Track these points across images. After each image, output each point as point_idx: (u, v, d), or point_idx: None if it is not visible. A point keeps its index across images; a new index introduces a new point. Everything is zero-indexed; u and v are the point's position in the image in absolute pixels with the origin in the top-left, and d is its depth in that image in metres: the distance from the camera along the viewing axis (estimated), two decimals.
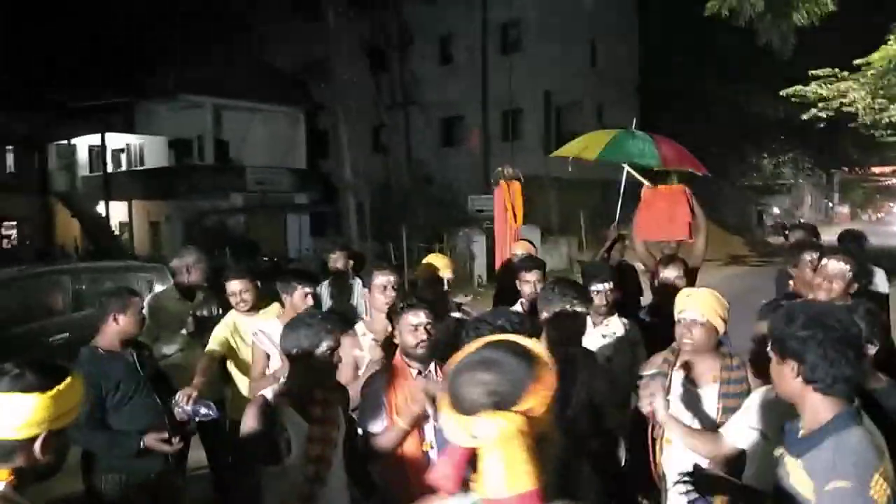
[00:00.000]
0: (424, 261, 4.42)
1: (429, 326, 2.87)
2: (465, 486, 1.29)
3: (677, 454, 2.72)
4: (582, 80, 27.72)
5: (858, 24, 12.68)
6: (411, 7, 26.04)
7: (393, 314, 2.99)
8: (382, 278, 3.54)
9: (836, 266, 3.21)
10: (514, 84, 24.22)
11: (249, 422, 2.59)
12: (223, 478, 4.44)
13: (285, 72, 26.64)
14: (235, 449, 2.66)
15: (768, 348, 1.88)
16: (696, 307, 2.75)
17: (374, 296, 3.54)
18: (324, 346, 2.60)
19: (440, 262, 4.30)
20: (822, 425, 1.75)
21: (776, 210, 39.20)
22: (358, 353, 3.43)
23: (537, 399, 1.24)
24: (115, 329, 3.47)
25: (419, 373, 2.90)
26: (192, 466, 4.34)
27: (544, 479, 1.21)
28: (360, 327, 3.57)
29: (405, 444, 2.76)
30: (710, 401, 2.77)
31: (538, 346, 1.32)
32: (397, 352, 2.95)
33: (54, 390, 1.63)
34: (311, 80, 26.07)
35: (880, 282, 4.49)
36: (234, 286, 4.21)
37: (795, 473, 1.78)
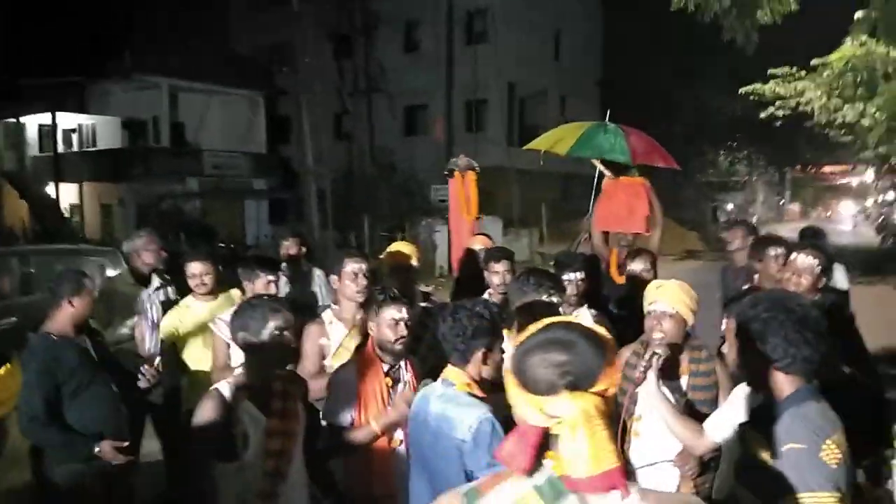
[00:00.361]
0: (390, 248, 4.34)
1: (408, 322, 2.82)
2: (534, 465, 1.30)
3: (645, 446, 2.72)
4: (546, 72, 27.86)
5: (817, 24, 12.96)
6: None
7: (368, 305, 2.91)
8: (354, 265, 3.43)
9: (805, 260, 3.23)
10: (479, 74, 24.21)
11: (203, 415, 2.48)
12: (177, 471, 4.31)
13: (247, 55, 26.15)
14: (190, 443, 2.54)
15: (734, 335, 1.99)
16: (667, 299, 2.75)
17: (344, 283, 3.43)
18: (271, 327, 2.47)
19: (407, 250, 4.24)
20: (782, 399, 1.88)
21: (730, 206, 40.04)
22: (324, 341, 3.34)
23: (608, 382, 1.27)
24: (68, 313, 3.34)
25: (390, 367, 2.84)
26: (145, 456, 4.21)
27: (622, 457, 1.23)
28: (327, 315, 3.48)
29: (372, 443, 2.72)
30: (678, 393, 2.77)
31: (604, 330, 1.35)
32: (368, 343, 2.88)
33: None
34: (273, 64, 25.63)
35: (840, 278, 4.59)
36: (194, 268, 4.08)
37: (756, 441, 1.93)
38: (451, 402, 2.27)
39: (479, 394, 2.29)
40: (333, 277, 3.50)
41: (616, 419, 2.63)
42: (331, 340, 3.34)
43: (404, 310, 2.81)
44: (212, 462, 2.49)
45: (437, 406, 2.30)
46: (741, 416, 2.28)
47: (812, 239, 4.98)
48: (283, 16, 18.28)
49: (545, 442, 1.27)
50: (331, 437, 2.77)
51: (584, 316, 3.47)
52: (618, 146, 4.93)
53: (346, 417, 2.75)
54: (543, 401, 1.24)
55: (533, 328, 1.37)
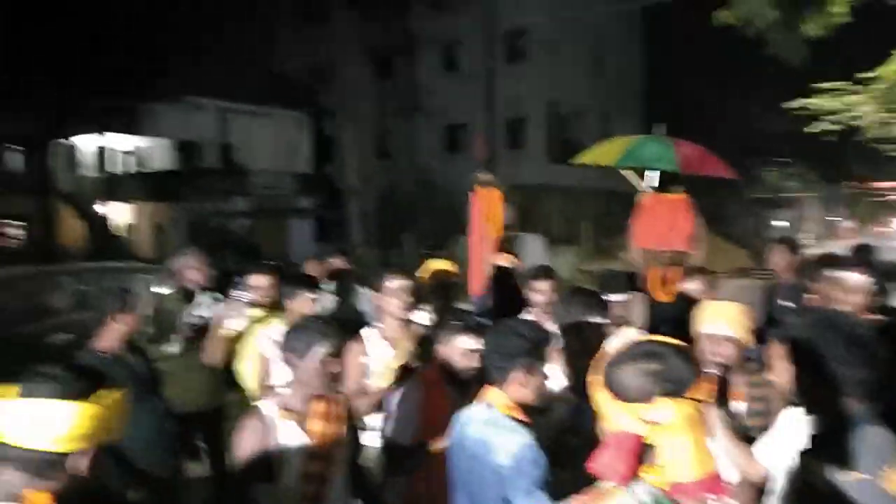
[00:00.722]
0: (430, 266, 4.35)
1: (481, 353, 2.74)
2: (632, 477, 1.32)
3: None
4: (587, 89, 27.71)
5: (866, 37, 12.62)
6: (417, 14, 26.07)
7: (442, 329, 2.86)
8: (396, 282, 3.44)
9: (856, 279, 3.11)
10: (520, 92, 24.21)
11: (243, 434, 2.49)
12: (223, 488, 4.35)
13: (291, 76, 26.64)
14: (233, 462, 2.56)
15: (787, 357, 1.89)
16: (726, 322, 2.67)
17: (388, 300, 3.43)
18: (318, 352, 2.46)
19: (448, 268, 4.24)
20: (838, 425, 1.79)
21: (781, 223, 39.05)
22: (365, 360, 3.34)
23: (702, 391, 1.31)
24: (114, 329, 3.44)
25: (453, 389, 2.79)
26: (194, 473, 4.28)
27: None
28: (366, 332, 3.48)
29: (433, 462, 2.68)
30: (736, 419, 2.68)
31: (688, 346, 1.40)
32: (434, 365, 2.85)
33: (103, 400, 1.50)
34: (317, 85, 26.08)
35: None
36: (257, 280, 4.13)
37: (816, 468, 1.82)
38: (491, 425, 2.19)
39: (522, 417, 2.22)
40: (376, 295, 3.51)
41: None
42: (371, 358, 3.34)
43: (479, 340, 2.73)
44: (251, 482, 2.48)
45: (476, 429, 2.22)
46: (789, 442, 2.21)
47: (864, 255, 4.83)
48: (326, 36, 18.65)
49: (639, 455, 1.29)
50: (391, 455, 2.75)
51: (631, 335, 3.41)
52: (665, 156, 4.82)
53: (409, 436, 2.74)
54: (640, 408, 1.27)
55: (621, 347, 1.44)
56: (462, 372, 2.73)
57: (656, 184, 4.92)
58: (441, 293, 4.09)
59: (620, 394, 1.32)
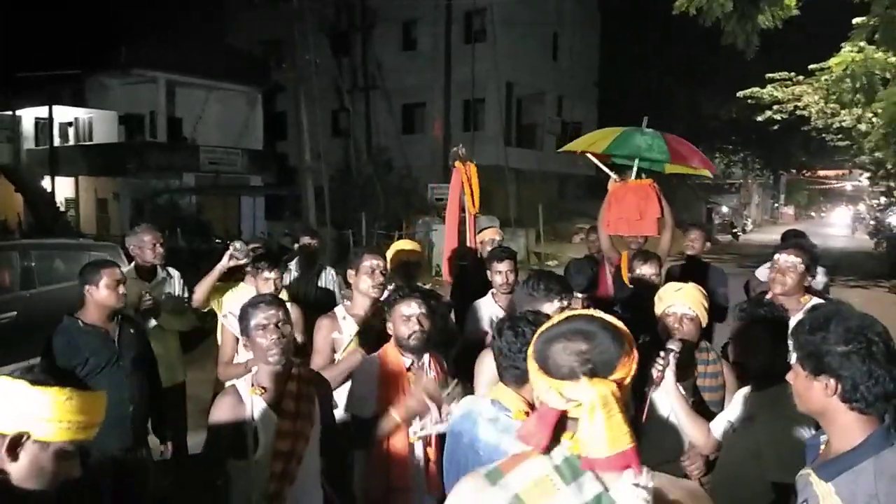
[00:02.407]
0: (394, 246, 4.36)
1: (422, 317, 2.82)
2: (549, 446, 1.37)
3: (655, 443, 2.74)
4: (544, 73, 27.90)
5: (814, 29, 13.02)
6: None
7: (385, 304, 2.93)
8: (371, 261, 3.47)
9: (788, 259, 3.29)
10: (477, 74, 24.22)
11: (218, 413, 2.51)
12: (186, 466, 4.32)
13: (244, 51, 26.05)
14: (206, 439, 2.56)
15: (793, 361, 1.72)
16: (686, 301, 2.81)
17: (360, 278, 3.46)
18: (254, 323, 2.51)
19: (411, 248, 4.26)
20: (855, 445, 1.60)
21: (725, 209, 40.21)
22: (336, 335, 3.37)
23: (626, 370, 1.34)
24: (91, 302, 3.42)
25: (412, 363, 2.86)
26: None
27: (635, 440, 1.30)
28: (340, 310, 3.50)
29: (392, 435, 2.73)
30: (690, 392, 2.82)
31: (621, 323, 1.40)
32: (391, 341, 2.89)
33: (49, 389, 1.51)
34: (270, 60, 25.57)
35: (820, 279, 4.66)
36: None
37: (828, 499, 1.61)
38: (507, 433, 2.04)
39: None
40: (350, 272, 3.52)
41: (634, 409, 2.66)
42: (343, 335, 3.37)
43: (414, 304, 2.82)
44: (223, 458, 2.51)
45: (489, 434, 2.10)
46: (734, 417, 2.31)
47: (795, 240, 5.09)
48: (281, 12, 18.26)
49: (562, 424, 1.35)
50: (352, 429, 2.78)
51: None
52: (656, 146, 4.87)
53: (368, 410, 2.77)
54: (564, 385, 1.32)
55: (556, 318, 1.45)
56: (404, 339, 2.79)
57: (637, 175, 4.99)
58: (403, 272, 4.12)
59: (548, 370, 1.35)
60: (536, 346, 1.40)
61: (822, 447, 1.72)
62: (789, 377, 1.74)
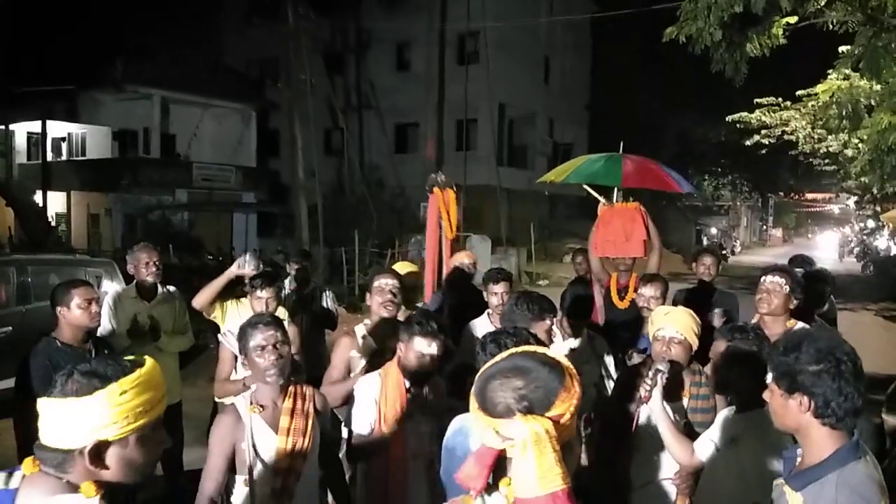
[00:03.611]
0: (402, 268, 4.42)
1: (437, 357, 2.84)
2: (489, 487, 1.33)
3: (646, 462, 2.82)
4: (535, 95, 28.20)
5: (801, 56, 13.28)
6: (370, 12, 26.03)
7: (404, 328, 2.93)
8: (383, 280, 3.54)
9: (774, 281, 3.41)
10: (470, 94, 24.45)
11: (218, 430, 2.57)
12: (178, 483, 4.34)
13: (239, 69, 26.20)
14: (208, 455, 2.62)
15: (769, 380, 1.83)
16: (676, 325, 2.88)
17: (373, 298, 3.53)
18: (252, 343, 2.57)
19: (410, 270, 4.32)
20: (824, 458, 1.72)
21: (714, 230, 40.49)
22: (354, 354, 3.42)
23: (565, 407, 1.30)
24: (63, 322, 3.40)
25: (412, 384, 2.89)
26: None
27: (571, 482, 1.26)
28: (360, 329, 3.56)
29: (390, 451, 2.79)
30: (679, 414, 2.89)
31: (564, 358, 1.38)
32: (395, 359, 2.94)
33: (96, 395, 1.46)
34: (265, 79, 25.73)
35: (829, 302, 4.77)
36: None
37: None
38: None
39: None
40: (368, 294, 3.60)
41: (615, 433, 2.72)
42: (360, 354, 3.43)
43: (435, 345, 2.82)
44: (224, 475, 2.56)
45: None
46: (717, 437, 2.37)
47: (803, 267, 5.19)
48: (277, 31, 18.44)
49: (501, 466, 1.31)
50: (350, 445, 2.85)
51: (578, 344, 3.57)
52: (611, 171, 5.11)
53: (367, 425, 2.83)
54: (499, 423, 1.29)
55: (498, 357, 1.43)
56: (417, 372, 2.83)
57: (618, 199, 5.19)
58: (407, 295, 4.17)
59: (486, 408, 1.33)
60: (477, 384, 1.38)
61: (799, 460, 1.82)
62: (766, 396, 1.85)
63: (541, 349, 1.44)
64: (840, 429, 1.73)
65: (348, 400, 3.06)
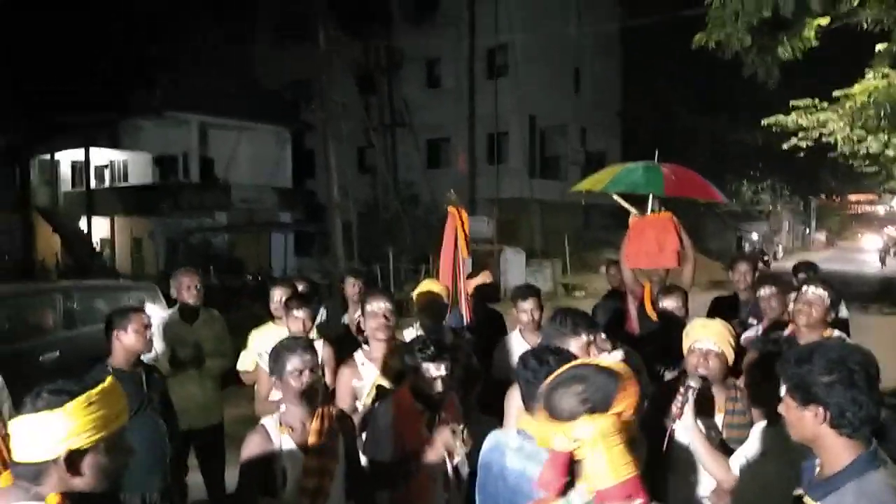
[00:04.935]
0: (420, 287, 4.42)
1: (447, 378, 2.85)
2: (565, 490, 1.49)
3: (682, 480, 2.78)
4: (566, 104, 28.11)
5: (838, 55, 13.05)
6: (400, 31, 26.33)
7: (409, 353, 2.95)
8: (375, 304, 3.50)
9: (816, 293, 3.35)
10: (500, 108, 24.51)
11: (248, 450, 2.64)
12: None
13: (273, 91, 26.72)
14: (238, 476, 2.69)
15: (783, 393, 1.83)
16: (712, 337, 2.83)
17: (367, 322, 3.51)
18: (289, 367, 2.63)
19: (437, 289, 4.33)
20: (843, 468, 1.72)
21: (755, 236, 39.72)
22: (356, 383, 3.42)
23: (625, 404, 1.46)
24: (119, 347, 3.49)
25: (424, 409, 2.89)
26: (191, 489, 4.33)
27: (640, 470, 1.39)
28: (359, 356, 3.54)
29: (411, 475, 2.80)
30: (714, 430, 2.84)
31: (618, 364, 1.54)
32: (406, 386, 2.95)
33: (63, 408, 1.60)
34: (299, 100, 26.17)
35: (840, 308, 4.67)
36: (276, 293, 4.42)
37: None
38: (531, 459, 2.12)
39: None
40: (362, 318, 3.60)
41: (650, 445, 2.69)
42: (363, 381, 3.43)
43: (443, 367, 2.83)
44: (255, 495, 2.62)
45: (515, 461, 2.22)
46: (752, 454, 2.35)
47: (807, 273, 5.13)
48: (309, 53, 18.77)
49: (576, 468, 1.45)
50: (370, 473, 2.86)
51: (617, 353, 3.55)
52: (653, 180, 5.02)
53: (386, 453, 2.84)
54: (568, 427, 1.43)
55: (558, 370, 1.60)
56: (430, 396, 2.85)
57: (653, 209, 5.10)
58: (430, 314, 4.18)
59: (554, 415, 1.48)
60: (545, 396, 1.55)
61: (817, 470, 1.82)
62: (781, 409, 1.85)
63: (594, 360, 1.64)
64: (857, 438, 1.72)
65: (363, 429, 3.07)
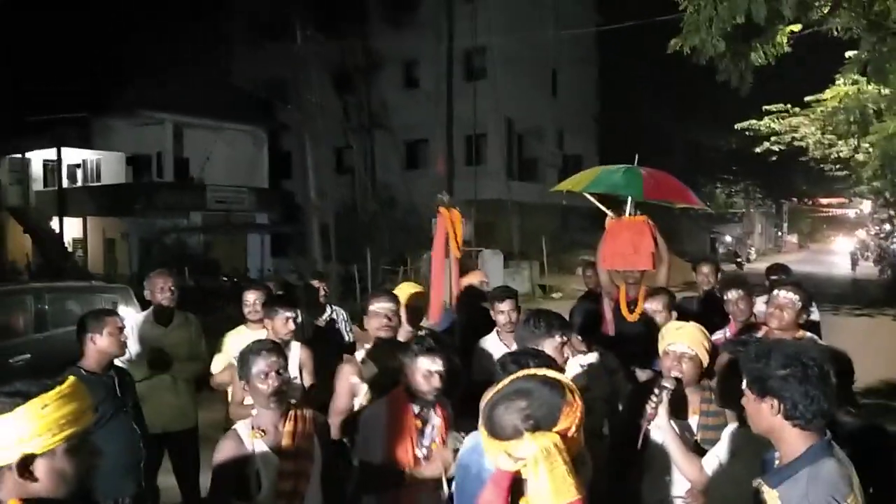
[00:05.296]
0: (399, 289, 4.42)
1: (444, 374, 2.83)
2: None
3: (657, 481, 2.82)
4: (543, 108, 28.30)
5: (809, 62, 13.30)
6: (378, 31, 26.29)
7: (406, 351, 2.94)
8: (379, 304, 3.54)
9: (787, 296, 3.43)
10: (478, 110, 24.58)
11: (221, 455, 2.61)
12: None
13: (249, 91, 26.52)
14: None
15: (744, 386, 1.93)
16: (686, 340, 2.87)
17: (370, 321, 3.53)
18: (255, 370, 2.63)
19: (416, 290, 4.31)
20: (797, 457, 1.83)
21: (728, 238, 40.27)
22: (355, 380, 3.42)
23: (570, 420, 1.38)
24: (93, 350, 3.43)
25: (420, 409, 2.89)
26: (163, 492, 4.29)
27: (584, 494, 1.31)
28: (360, 354, 3.56)
29: (401, 478, 2.79)
30: (689, 432, 2.87)
31: (563, 377, 1.46)
32: (400, 385, 2.94)
33: (14, 412, 1.54)
34: (275, 101, 26.01)
35: (811, 310, 4.77)
36: (250, 297, 4.34)
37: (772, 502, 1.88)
38: None
39: None
40: (365, 317, 3.61)
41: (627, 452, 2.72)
42: (362, 380, 3.43)
43: (440, 361, 2.82)
44: (228, 499, 2.60)
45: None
46: (724, 454, 2.39)
47: (779, 275, 5.25)
48: (285, 53, 18.67)
49: (518, 488, 1.37)
50: (360, 475, 2.85)
51: (593, 355, 3.59)
52: (632, 183, 5.09)
53: (376, 456, 2.82)
54: (509, 445, 1.35)
55: (500, 384, 1.50)
56: (422, 393, 2.82)
57: (630, 212, 5.16)
58: (408, 315, 4.17)
59: (495, 433, 1.39)
60: (484, 412, 1.45)
61: (777, 462, 1.93)
62: (742, 402, 1.97)
63: (541, 371, 1.49)
64: (810, 429, 1.83)
65: (355, 430, 3.05)
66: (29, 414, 1.54)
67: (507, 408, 1.39)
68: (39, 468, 1.56)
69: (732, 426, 2.63)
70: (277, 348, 2.75)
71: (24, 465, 1.54)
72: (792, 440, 1.84)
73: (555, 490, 1.29)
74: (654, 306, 4.14)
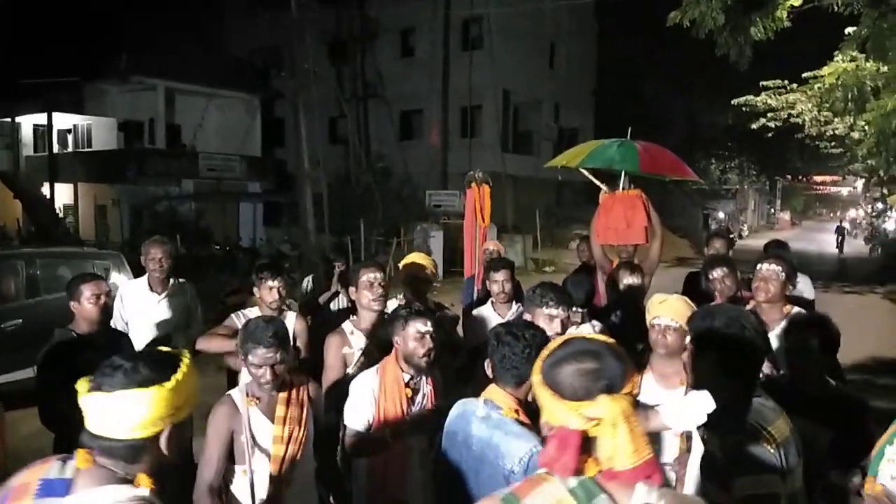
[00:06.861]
0: (406, 259, 4.42)
1: (433, 334, 2.87)
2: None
3: None
4: (540, 80, 28.07)
5: (807, 38, 13.21)
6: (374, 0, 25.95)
7: (392, 319, 2.97)
8: (369, 275, 3.53)
9: (770, 268, 3.48)
10: (474, 81, 24.37)
11: (215, 420, 2.66)
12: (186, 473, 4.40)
13: (243, 58, 26.17)
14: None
15: (687, 341, 2.22)
16: (671, 313, 2.89)
17: (360, 293, 3.53)
18: (252, 359, 2.65)
19: (423, 262, 4.32)
20: (731, 402, 2.01)
21: (721, 214, 40.34)
22: (346, 350, 3.44)
23: (632, 384, 1.44)
24: (79, 313, 3.48)
25: (411, 378, 2.92)
26: None
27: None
28: (347, 326, 3.57)
29: (390, 446, 2.81)
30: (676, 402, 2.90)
31: (616, 343, 1.51)
32: (392, 353, 2.96)
33: (172, 381, 1.53)
34: (269, 68, 25.70)
35: (805, 288, 4.80)
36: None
37: (712, 439, 2.10)
38: (498, 428, 2.21)
39: (526, 421, 2.23)
40: (352, 289, 3.60)
41: None
42: (353, 349, 3.45)
43: (429, 323, 2.86)
44: (222, 464, 2.64)
45: (481, 430, 2.27)
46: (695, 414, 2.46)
47: (776, 250, 5.27)
48: (280, 20, 18.41)
49: (586, 446, 1.40)
50: (350, 440, 2.88)
51: (586, 328, 3.61)
52: (628, 157, 5.08)
53: (365, 422, 2.85)
54: (582, 406, 1.38)
55: (554, 344, 1.53)
56: (417, 357, 2.85)
57: (624, 186, 5.18)
58: (413, 288, 4.18)
59: (563, 394, 1.40)
60: (544, 372, 1.46)
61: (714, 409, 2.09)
62: (684, 356, 2.29)
63: (593, 335, 1.56)
64: (741, 378, 2.10)
65: (344, 396, 3.08)
66: (184, 381, 1.56)
67: (577, 369, 1.42)
68: (172, 438, 1.58)
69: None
70: (278, 340, 2.67)
71: (170, 436, 1.56)
72: (728, 387, 2.05)
73: (635, 449, 1.34)
74: (631, 280, 4.22)
